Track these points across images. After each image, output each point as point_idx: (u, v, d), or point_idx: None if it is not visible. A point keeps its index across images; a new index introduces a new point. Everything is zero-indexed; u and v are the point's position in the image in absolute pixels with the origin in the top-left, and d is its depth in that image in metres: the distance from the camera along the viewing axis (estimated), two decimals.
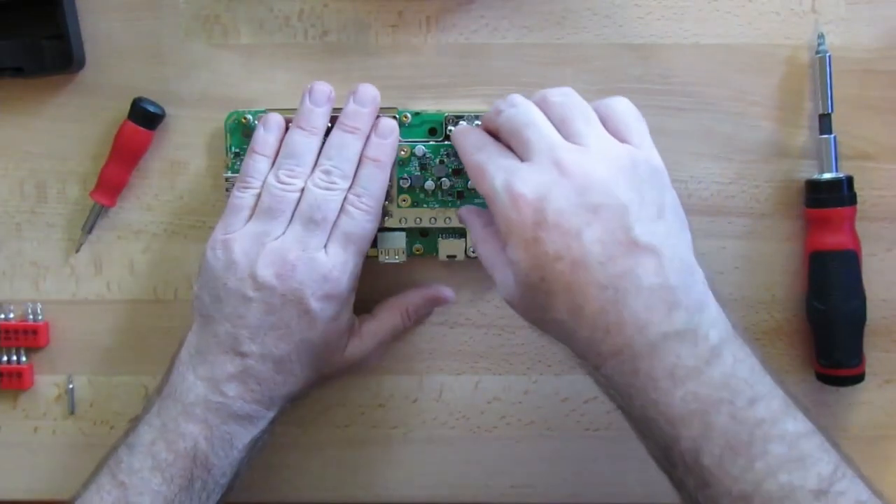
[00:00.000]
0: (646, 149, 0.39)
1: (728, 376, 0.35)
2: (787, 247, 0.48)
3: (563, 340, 0.38)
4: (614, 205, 0.36)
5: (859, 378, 0.47)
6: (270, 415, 0.44)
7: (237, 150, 0.46)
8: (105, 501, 0.40)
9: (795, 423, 0.35)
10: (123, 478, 0.41)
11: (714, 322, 0.36)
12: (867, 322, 0.47)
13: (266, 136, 0.44)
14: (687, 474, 0.35)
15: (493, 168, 0.39)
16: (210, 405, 0.41)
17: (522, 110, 0.40)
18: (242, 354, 0.42)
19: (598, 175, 0.36)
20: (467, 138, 0.42)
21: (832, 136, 0.46)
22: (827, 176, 0.46)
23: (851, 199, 0.46)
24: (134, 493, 0.40)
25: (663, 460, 0.37)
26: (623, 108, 0.40)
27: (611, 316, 0.35)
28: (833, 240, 0.46)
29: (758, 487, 0.33)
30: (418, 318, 0.49)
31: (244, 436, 0.42)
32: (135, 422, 0.43)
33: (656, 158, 0.39)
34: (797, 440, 0.34)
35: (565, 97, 0.40)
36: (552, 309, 0.37)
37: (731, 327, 0.37)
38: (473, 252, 0.47)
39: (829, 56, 0.46)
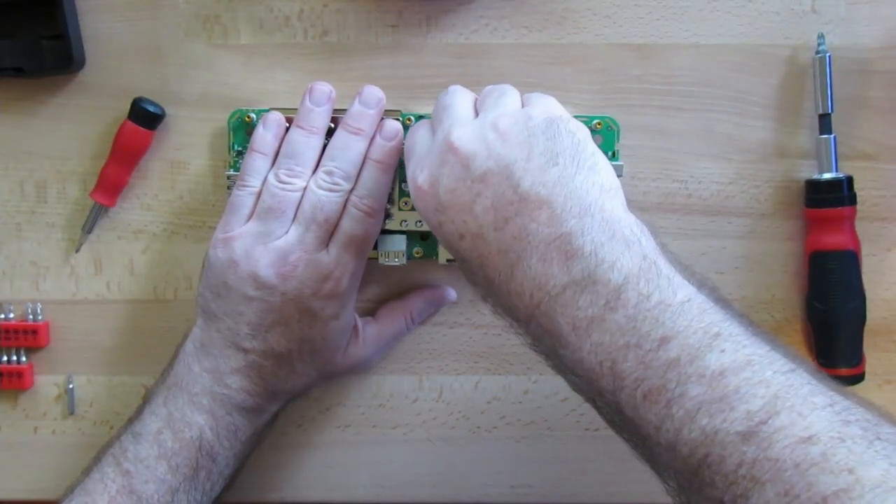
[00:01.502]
0: (544, 107, 0.38)
1: (632, 318, 0.32)
2: (787, 247, 0.48)
3: (500, 314, 0.37)
4: (498, 166, 0.35)
5: (859, 378, 0.47)
6: (273, 408, 0.44)
7: (240, 149, 0.46)
8: (109, 489, 0.41)
9: (720, 357, 0.30)
10: (129, 466, 0.41)
11: (616, 260, 0.33)
12: (867, 322, 0.47)
13: (265, 135, 0.44)
14: (623, 430, 0.33)
15: (409, 161, 0.40)
16: (215, 396, 0.42)
17: (448, 94, 0.40)
18: (244, 350, 0.42)
19: (481, 143, 0.36)
20: (411, 134, 0.42)
21: (832, 136, 0.46)
22: (827, 176, 0.46)
23: (851, 199, 0.46)
24: (139, 482, 0.41)
25: (606, 420, 0.35)
26: (540, 94, 0.40)
27: (514, 280, 0.34)
28: (833, 240, 0.46)
29: (678, 435, 0.30)
30: (421, 320, 0.49)
31: (248, 427, 0.43)
32: (135, 414, 0.44)
33: (555, 110, 0.38)
34: (720, 376, 0.30)
35: (499, 85, 0.40)
36: (477, 285, 0.37)
37: (645, 257, 0.33)
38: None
39: (829, 56, 0.46)
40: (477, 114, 0.39)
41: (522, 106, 0.39)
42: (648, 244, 0.34)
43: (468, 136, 0.36)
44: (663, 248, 0.34)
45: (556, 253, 0.33)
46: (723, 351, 0.30)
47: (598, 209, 0.34)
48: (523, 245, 0.34)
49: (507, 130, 0.36)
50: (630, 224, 0.34)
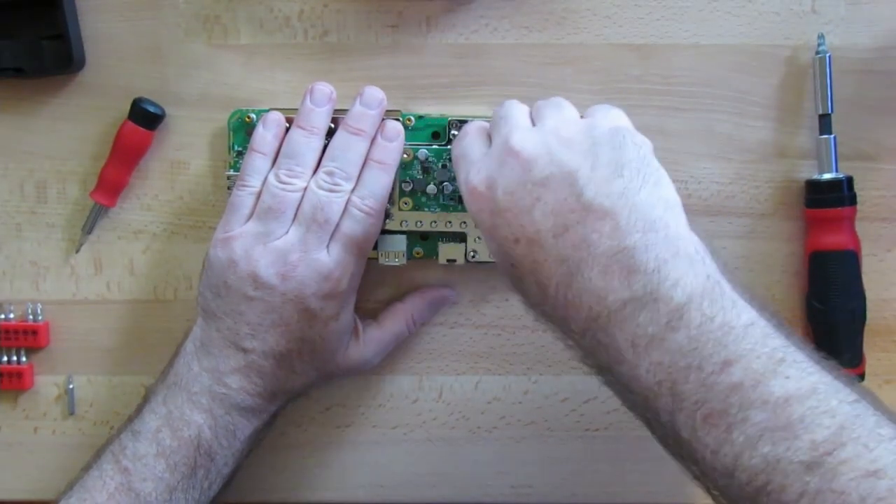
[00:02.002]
0: (610, 118, 0.37)
1: (694, 339, 0.31)
2: (787, 247, 0.48)
3: (548, 323, 0.37)
4: (561, 173, 0.35)
5: (859, 378, 0.47)
6: (272, 408, 0.44)
7: (240, 149, 0.46)
8: (108, 486, 0.41)
9: (785, 383, 0.30)
10: (127, 463, 0.41)
11: (680, 278, 0.32)
12: (867, 322, 0.47)
13: (265, 135, 0.44)
14: (677, 451, 0.33)
15: (462, 164, 0.39)
16: (215, 395, 0.42)
17: (504, 106, 0.40)
18: (244, 350, 0.42)
19: (543, 147, 0.36)
20: (463, 139, 0.42)
21: (832, 136, 0.46)
22: (827, 176, 0.46)
23: (851, 200, 0.46)
24: (138, 479, 0.41)
25: (659, 439, 0.34)
26: (607, 106, 0.39)
27: (571, 290, 0.33)
28: (833, 240, 0.46)
29: (737, 461, 0.29)
30: (423, 323, 0.49)
31: (247, 427, 0.43)
32: (135, 412, 0.44)
33: (621, 121, 0.37)
34: (785, 404, 0.29)
35: (552, 98, 0.40)
36: (528, 292, 0.36)
37: (709, 276, 0.32)
38: (473, 256, 0.47)
39: (829, 56, 0.46)
40: (534, 124, 0.38)
41: (582, 117, 0.38)
42: (711, 264, 0.33)
43: (530, 141, 0.36)
44: (725, 268, 0.34)
45: (617, 266, 0.33)
46: (787, 377, 0.30)
47: (662, 225, 0.33)
48: (583, 255, 0.33)
49: (571, 138, 0.36)
50: (694, 243, 0.34)
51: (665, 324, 0.31)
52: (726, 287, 0.32)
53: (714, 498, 0.32)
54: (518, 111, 0.39)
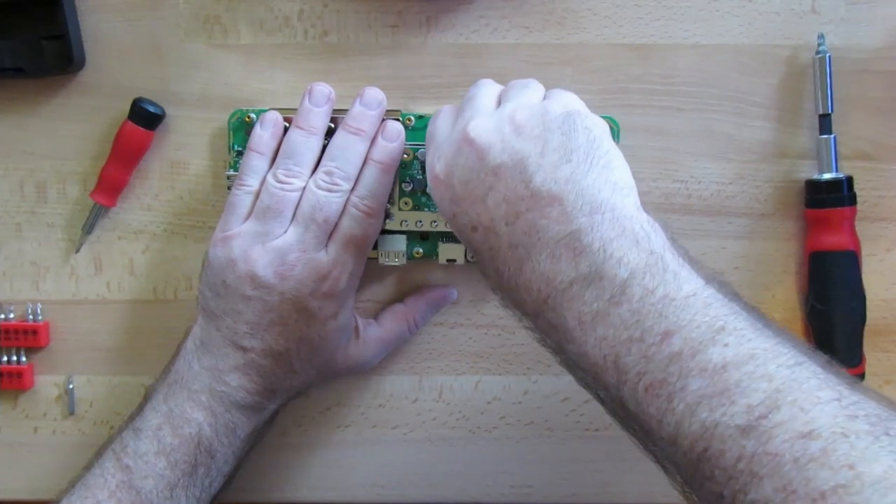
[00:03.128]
0: (563, 102, 0.38)
1: (636, 312, 0.32)
2: (787, 247, 0.48)
3: (508, 307, 0.37)
4: (512, 161, 0.35)
5: (859, 378, 0.47)
6: (272, 406, 0.45)
7: (239, 149, 0.46)
8: (109, 484, 0.41)
9: (723, 351, 0.30)
10: (128, 461, 0.41)
11: (623, 255, 0.33)
12: (867, 322, 0.47)
13: (263, 135, 0.44)
14: (628, 424, 0.33)
15: (429, 147, 0.40)
16: (215, 393, 0.42)
17: (475, 86, 0.40)
18: (243, 349, 0.42)
19: (497, 135, 0.36)
20: (436, 118, 0.42)
21: (832, 136, 0.46)
22: (827, 176, 0.46)
23: (851, 200, 0.46)
24: (138, 477, 0.41)
25: (611, 414, 0.35)
26: (561, 90, 0.39)
27: (523, 274, 0.34)
28: (833, 240, 0.46)
29: (679, 428, 0.30)
30: (424, 324, 0.49)
31: (247, 425, 0.43)
32: (136, 410, 0.44)
33: (574, 104, 0.38)
34: (722, 370, 0.30)
35: (523, 79, 0.40)
36: (489, 277, 0.37)
37: (652, 252, 0.33)
38: (473, 256, 0.47)
39: (829, 56, 0.46)
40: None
41: (544, 99, 0.39)
42: (658, 240, 0.34)
43: (485, 128, 0.36)
44: (673, 243, 0.34)
45: (565, 249, 0.33)
46: (726, 345, 0.30)
47: (609, 207, 0.34)
48: (533, 241, 0.34)
49: (524, 123, 0.36)
50: (641, 221, 0.34)
51: (608, 299, 0.32)
52: (670, 261, 0.33)
53: (665, 469, 0.33)
54: (485, 92, 0.40)
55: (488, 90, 0.40)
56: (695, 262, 0.34)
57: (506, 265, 0.35)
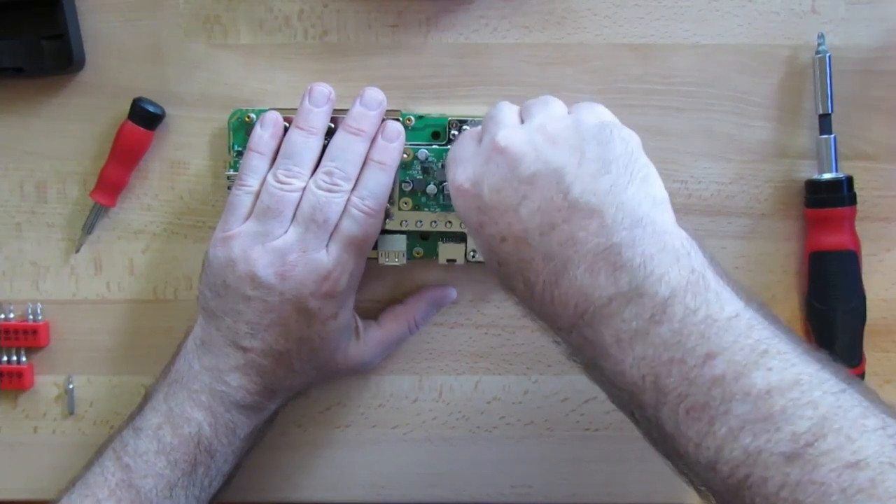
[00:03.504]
0: (596, 113, 0.37)
1: (677, 333, 0.31)
2: (787, 247, 0.48)
3: (536, 320, 0.37)
4: (547, 170, 0.34)
5: (859, 378, 0.47)
6: (272, 406, 0.45)
7: (240, 149, 0.46)
8: (109, 482, 0.41)
9: (768, 375, 0.29)
10: (128, 460, 0.41)
11: (665, 273, 0.32)
12: (867, 322, 0.47)
13: (262, 135, 0.44)
14: (663, 446, 0.33)
15: (451, 165, 0.39)
16: (215, 393, 0.42)
17: (495, 107, 0.40)
18: (243, 349, 0.42)
19: (529, 145, 0.35)
20: (457, 144, 0.42)
21: (832, 136, 0.46)
22: (827, 176, 0.46)
23: (851, 199, 0.46)
24: (138, 476, 0.41)
25: (645, 434, 0.34)
26: (590, 102, 0.39)
27: (559, 287, 0.33)
28: (833, 240, 0.46)
29: (719, 454, 0.29)
30: (424, 324, 0.49)
31: (247, 425, 0.43)
32: (137, 409, 0.44)
33: (607, 116, 0.37)
34: (766, 395, 0.29)
35: (541, 97, 0.40)
36: (515, 290, 0.36)
37: (694, 270, 0.32)
38: (473, 256, 0.47)
39: (829, 56, 0.46)
40: (523, 123, 0.38)
41: (569, 113, 0.38)
42: (697, 257, 0.33)
43: (515, 138, 0.36)
44: (713, 261, 0.34)
45: (604, 264, 0.33)
46: (770, 369, 0.30)
47: (649, 221, 0.33)
48: (570, 253, 0.33)
49: (557, 134, 0.35)
50: (681, 237, 0.33)
51: (649, 318, 0.32)
52: (711, 280, 0.32)
53: (700, 493, 0.32)
54: (507, 111, 0.39)
55: (508, 108, 0.39)
56: (733, 281, 0.33)
57: (539, 277, 0.34)
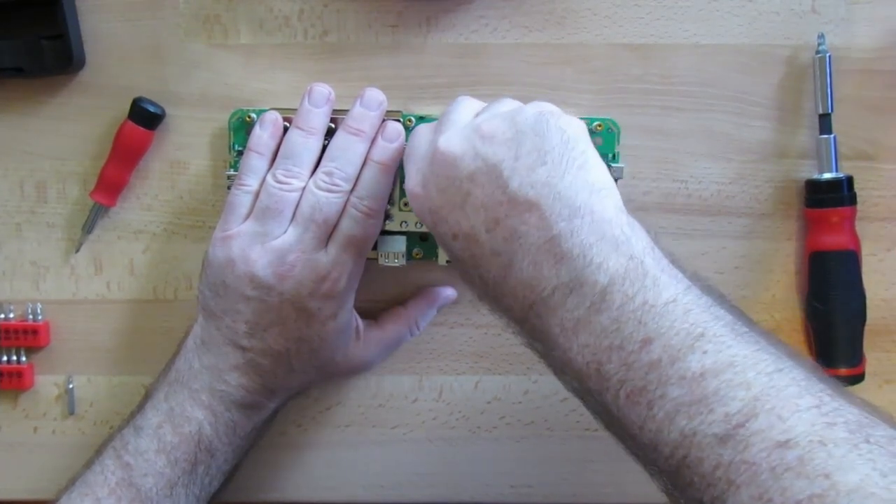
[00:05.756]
0: (538, 104, 0.37)
1: (616, 320, 0.32)
2: (787, 247, 0.48)
3: (496, 314, 0.37)
4: (486, 167, 0.35)
5: (859, 378, 0.47)
6: (272, 405, 0.45)
7: (240, 149, 0.46)
8: (109, 481, 0.41)
9: (702, 358, 0.30)
10: (129, 459, 0.41)
11: (603, 261, 0.33)
12: (867, 322, 0.47)
13: (262, 135, 0.44)
14: (612, 429, 0.34)
15: (406, 165, 0.40)
16: (215, 392, 0.42)
17: (452, 104, 0.41)
18: (243, 348, 0.42)
19: (467, 143, 0.36)
20: (412, 139, 0.42)
21: (832, 136, 0.46)
22: (827, 176, 0.46)
23: (851, 199, 0.46)
24: (138, 474, 0.41)
25: (597, 418, 0.35)
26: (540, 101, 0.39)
27: (507, 282, 0.34)
28: (833, 240, 0.46)
29: (659, 436, 0.30)
30: (425, 325, 0.49)
31: (247, 424, 0.43)
32: (137, 408, 0.44)
33: (546, 106, 0.37)
34: (700, 378, 0.30)
35: (501, 98, 0.40)
36: (473, 286, 0.37)
37: (632, 257, 0.33)
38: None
39: (829, 56, 0.46)
40: None
41: None
42: (638, 244, 0.33)
43: (454, 140, 0.37)
44: (654, 246, 0.34)
45: (545, 256, 0.33)
46: (705, 352, 0.30)
47: (587, 211, 0.34)
48: (514, 247, 0.34)
49: (493, 131, 0.36)
50: (621, 224, 0.34)
51: (589, 307, 0.32)
52: (650, 266, 0.33)
53: (650, 473, 0.33)
54: (461, 108, 0.40)
55: (465, 106, 0.40)
56: (677, 265, 0.34)
57: (489, 272, 0.35)
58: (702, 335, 0.31)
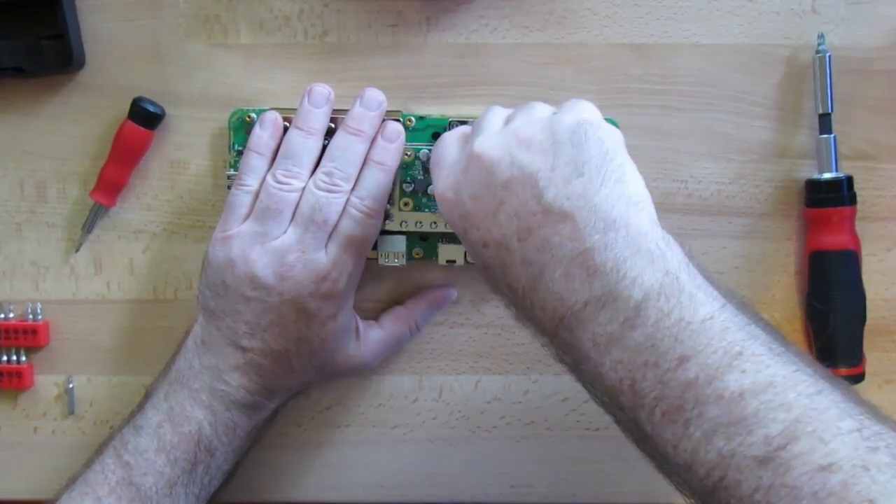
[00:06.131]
0: (575, 112, 0.37)
1: (651, 337, 0.31)
2: (787, 247, 0.48)
3: (524, 323, 0.37)
4: (522, 175, 0.34)
5: (859, 378, 0.47)
6: (272, 405, 0.45)
7: (240, 149, 0.46)
8: (109, 480, 0.41)
9: (741, 378, 0.29)
10: (129, 458, 0.42)
11: (638, 276, 0.32)
12: (867, 322, 0.47)
13: (262, 135, 0.44)
14: (644, 446, 0.33)
15: (434, 171, 0.40)
16: (215, 392, 0.42)
17: (484, 112, 0.40)
18: (243, 349, 0.42)
19: (504, 150, 0.35)
20: (439, 146, 0.42)
21: (832, 136, 0.46)
22: (827, 176, 0.46)
23: (851, 199, 0.46)
24: (138, 474, 0.41)
25: (627, 434, 0.34)
26: (576, 99, 0.38)
27: (537, 292, 0.34)
28: (833, 240, 0.46)
29: (695, 456, 0.30)
30: (425, 326, 0.49)
31: (247, 423, 0.43)
32: (137, 408, 0.44)
33: (587, 114, 0.36)
34: (739, 398, 0.29)
35: (529, 103, 0.40)
36: (501, 294, 0.37)
37: (668, 272, 0.32)
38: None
39: (829, 56, 0.46)
40: None
41: (555, 113, 0.38)
42: (673, 259, 0.33)
43: (491, 144, 0.36)
44: (690, 261, 0.34)
45: (578, 268, 0.33)
46: (743, 371, 0.30)
47: (623, 224, 0.33)
48: (546, 258, 0.33)
49: (531, 138, 0.35)
50: (656, 238, 0.33)
51: (623, 322, 0.32)
52: (686, 282, 0.32)
53: (682, 492, 0.32)
54: (492, 116, 0.39)
55: (495, 113, 0.39)
56: (712, 282, 0.33)
57: (519, 282, 0.34)
58: (740, 354, 0.30)
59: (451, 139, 0.40)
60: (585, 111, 0.37)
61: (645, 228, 0.33)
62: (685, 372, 0.30)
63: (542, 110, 0.38)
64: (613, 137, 0.36)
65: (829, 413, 0.28)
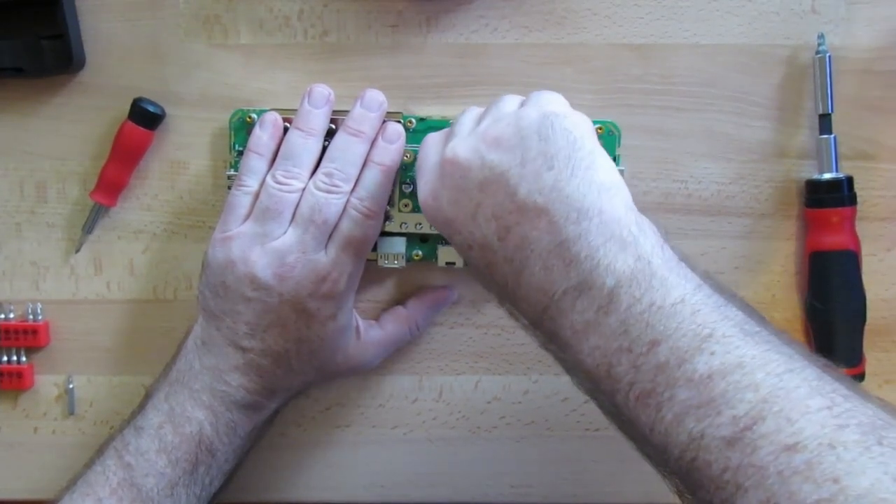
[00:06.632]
0: (541, 104, 0.37)
1: (623, 322, 0.32)
2: (787, 247, 0.48)
3: (514, 318, 0.38)
4: (493, 175, 0.35)
5: (859, 378, 0.47)
6: (273, 405, 0.45)
7: (241, 149, 0.46)
8: (110, 481, 0.41)
9: (710, 360, 0.30)
10: (130, 459, 0.42)
11: (611, 263, 0.32)
12: (867, 322, 0.47)
13: (261, 136, 0.44)
14: (625, 430, 0.34)
15: (417, 176, 0.40)
16: (215, 392, 0.42)
17: (460, 114, 0.40)
18: (243, 349, 0.42)
19: (474, 153, 0.36)
20: (421, 149, 0.42)
21: (832, 136, 0.46)
22: (827, 176, 0.46)
23: (851, 199, 0.46)
24: (139, 475, 0.41)
25: (610, 419, 0.35)
26: (542, 91, 0.39)
27: (521, 287, 0.35)
28: (833, 240, 0.46)
29: (668, 437, 0.30)
30: (426, 326, 0.49)
31: (247, 424, 0.43)
32: (138, 409, 0.44)
33: (553, 106, 0.36)
34: (708, 380, 0.29)
35: (500, 97, 0.40)
36: (492, 292, 0.38)
37: (639, 258, 0.32)
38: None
39: (829, 56, 0.46)
40: None
41: (521, 106, 0.38)
42: (646, 244, 0.33)
43: (462, 148, 0.36)
44: (664, 245, 0.34)
45: (556, 260, 0.33)
46: (712, 353, 0.30)
47: (596, 212, 0.33)
48: (526, 254, 0.34)
49: (499, 136, 0.36)
50: (629, 224, 0.34)
51: (598, 309, 0.32)
52: (658, 266, 0.32)
53: (662, 474, 0.33)
54: (465, 119, 0.39)
55: (468, 115, 0.40)
56: (687, 264, 0.34)
57: (504, 279, 0.35)
58: (710, 336, 0.30)
59: (432, 142, 0.40)
60: (551, 103, 0.37)
61: (618, 214, 0.34)
62: (656, 356, 0.31)
63: (510, 104, 0.38)
64: (580, 126, 0.36)
65: (799, 392, 0.29)
